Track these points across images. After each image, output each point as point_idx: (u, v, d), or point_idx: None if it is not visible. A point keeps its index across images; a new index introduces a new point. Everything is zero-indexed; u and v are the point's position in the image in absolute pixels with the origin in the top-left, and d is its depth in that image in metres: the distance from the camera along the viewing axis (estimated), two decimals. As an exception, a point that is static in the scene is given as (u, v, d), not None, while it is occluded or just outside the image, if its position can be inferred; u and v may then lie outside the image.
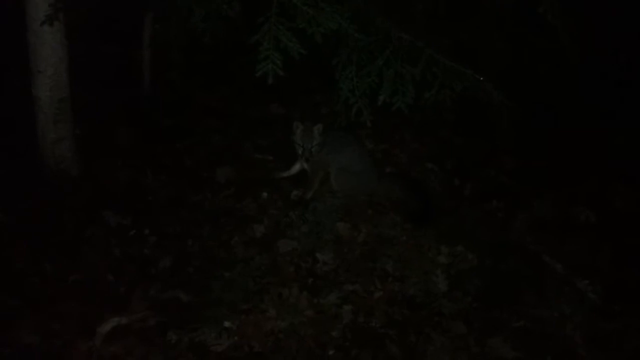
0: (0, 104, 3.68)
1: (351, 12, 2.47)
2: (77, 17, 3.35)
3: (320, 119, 4.02)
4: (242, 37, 2.63)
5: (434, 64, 2.60)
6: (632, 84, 4.43)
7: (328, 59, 2.86)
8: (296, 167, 3.72)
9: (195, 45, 3.74)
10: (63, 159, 3.39)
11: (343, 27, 2.41)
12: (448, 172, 3.96)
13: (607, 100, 4.45)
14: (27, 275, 2.90)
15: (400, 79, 2.58)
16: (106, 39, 4.43)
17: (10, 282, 2.83)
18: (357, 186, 3.57)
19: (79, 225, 3.20)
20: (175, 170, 3.72)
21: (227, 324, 2.73)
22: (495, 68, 3.88)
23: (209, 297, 2.87)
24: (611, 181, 3.97)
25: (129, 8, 3.92)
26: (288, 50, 2.35)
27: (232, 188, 3.62)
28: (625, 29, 4.48)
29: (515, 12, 3.82)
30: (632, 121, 4.29)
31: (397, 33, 2.58)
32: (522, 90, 4.10)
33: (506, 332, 2.83)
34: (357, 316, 2.85)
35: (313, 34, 2.38)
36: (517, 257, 3.27)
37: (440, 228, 3.39)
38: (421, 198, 3.56)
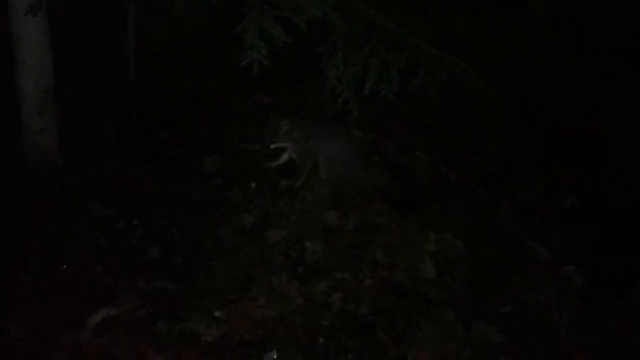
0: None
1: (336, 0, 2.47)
2: (61, 8, 3.31)
3: (307, 108, 4.03)
4: (228, 27, 2.61)
5: (419, 52, 2.61)
6: (624, 80, 4.47)
7: (314, 47, 2.85)
8: (284, 157, 3.71)
9: (181, 36, 3.72)
10: (48, 151, 3.36)
11: (328, 15, 2.41)
12: (435, 161, 3.98)
13: (600, 96, 4.48)
14: (13, 267, 2.87)
15: (385, 67, 2.59)
16: (91, 29, 4.37)
17: (-3, 275, 2.81)
18: (345, 175, 3.57)
19: (65, 217, 3.17)
20: (162, 161, 3.69)
21: (216, 313, 2.73)
22: (491, 64, 3.90)
23: (197, 287, 2.87)
24: (597, 171, 4.02)
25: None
26: (273, 39, 2.35)
27: (219, 178, 3.61)
28: (620, 26, 4.50)
29: (511, 9, 3.84)
30: (622, 115, 4.33)
31: (382, 21, 2.58)
32: (517, 86, 4.16)
33: (492, 317, 2.88)
34: (346, 304, 2.86)
35: (298, 22, 2.37)
36: (503, 244, 3.31)
37: (427, 216, 3.41)
38: (409, 186, 3.59)
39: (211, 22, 3.13)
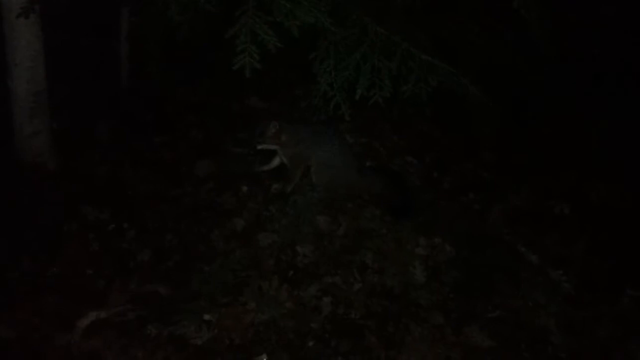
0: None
1: (328, 5, 2.49)
2: (54, 9, 3.31)
3: (301, 113, 4.05)
4: (222, 30, 2.63)
5: (410, 58, 2.63)
6: (614, 84, 4.51)
7: (307, 52, 2.87)
8: (276, 161, 3.71)
9: (174, 38, 3.72)
10: (40, 153, 3.36)
11: (320, 20, 2.43)
12: (427, 166, 4.00)
13: (591, 100, 4.52)
14: (5, 269, 2.87)
15: (377, 73, 2.61)
16: (84, 31, 4.37)
17: (-13, 276, 2.81)
18: (337, 180, 3.57)
19: (57, 220, 3.18)
20: (155, 164, 3.70)
21: (206, 317, 2.73)
22: (478, 64, 3.93)
23: (188, 290, 2.88)
24: (587, 175, 4.06)
25: (106, 0, 3.89)
26: (265, 43, 2.36)
27: (211, 182, 3.61)
28: (610, 28, 4.54)
29: (506, 12, 3.86)
30: (613, 120, 4.38)
31: (374, 27, 2.60)
32: (507, 88, 4.18)
33: (482, 321, 2.88)
34: (337, 308, 2.87)
35: (290, 28, 2.39)
36: (494, 249, 3.33)
37: (418, 220, 3.42)
38: (401, 191, 3.60)
39: (206, 24, 3.14)
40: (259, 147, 3.55)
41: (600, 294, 3.15)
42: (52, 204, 3.26)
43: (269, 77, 4.10)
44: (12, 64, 3.14)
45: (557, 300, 3.07)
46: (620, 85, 4.48)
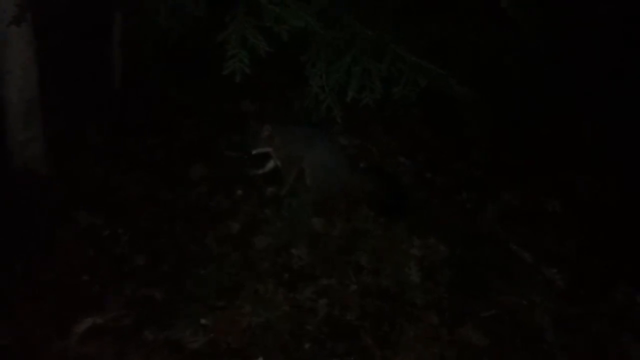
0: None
1: (317, 9, 2.50)
2: (45, 13, 3.31)
3: (293, 115, 4.05)
4: (214, 33, 2.63)
5: (399, 60, 2.64)
6: (606, 82, 4.53)
7: (300, 54, 2.87)
8: (270, 164, 3.73)
9: (168, 42, 3.72)
10: (33, 159, 3.35)
11: (309, 24, 2.44)
12: (419, 166, 4.01)
13: (583, 99, 4.54)
14: (0, 276, 2.87)
15: (367, 75, 2.62)
16: (77, 35, 4.36)
17: (-18, 284, 2.80)
18: (331, 182, 3.58)
19: (51, 225, 3.17)
20: (148, 167, 3.69)
21: (202, 321, 2.74)
22: (478, 64, 3.95)
23: (184, 294, 2.88)
24: (581, 174, 4.08)
25: (98, 5, 3.88)
26: (255, 48, 2.37)
27: (206, 185, 3.61)
28: (607, 27, 4.56)
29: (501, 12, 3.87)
30: (605, 118, 4.39)
31: (364, 30, 2.61)
32: (504, 88, 4.20)
33: (477, 320, 2.90)
34: (333, 309, 2.88)
35: (279, 32, 2.40)
36: (488, 247, 3.35)
37: (412, 221, 3.44)
38: (395, 192, 3.61)
39: (197, 28, 3.14)
40: (254, 152, 3.55)
41: (593, 290, 3.17)
42: (46, 210, 3.25)
43: (262, 80, 4.10)
44: (4, 71, 3.13)
45: (551, 298, 3.09)
46: (616, 85, 4.49)
